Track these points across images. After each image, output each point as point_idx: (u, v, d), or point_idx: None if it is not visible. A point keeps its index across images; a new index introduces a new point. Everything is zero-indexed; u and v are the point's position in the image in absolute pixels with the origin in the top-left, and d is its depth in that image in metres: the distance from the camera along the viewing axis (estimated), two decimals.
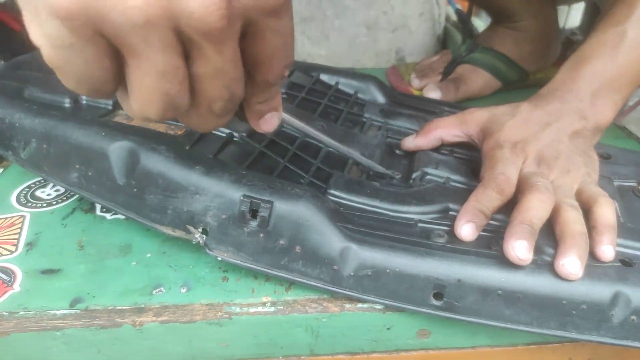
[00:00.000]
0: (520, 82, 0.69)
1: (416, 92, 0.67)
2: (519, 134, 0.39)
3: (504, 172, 0.35)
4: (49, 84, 0.41)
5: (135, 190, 0.33)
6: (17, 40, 0.76)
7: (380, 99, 0.52)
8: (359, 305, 0.32)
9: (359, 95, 0.51)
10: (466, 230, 0.33)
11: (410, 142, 0.44)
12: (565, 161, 0.37)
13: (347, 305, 0.32)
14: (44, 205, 0.41)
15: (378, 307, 0.32)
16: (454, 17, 0.85)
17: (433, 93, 0.63)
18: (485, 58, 0.67)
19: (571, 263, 0.30)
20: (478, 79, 0.66)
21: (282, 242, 0.31)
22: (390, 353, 0.35)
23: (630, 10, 0.39)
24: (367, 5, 0.85)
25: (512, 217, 0.33)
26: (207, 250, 0.32)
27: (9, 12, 0.73)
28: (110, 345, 0.32)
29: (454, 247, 0.32)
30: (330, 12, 0.86)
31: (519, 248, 0.30)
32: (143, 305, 0.32)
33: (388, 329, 0.33)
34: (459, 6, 0.81)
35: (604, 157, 0.46)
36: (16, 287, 0.33)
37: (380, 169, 0.39)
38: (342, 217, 0.33)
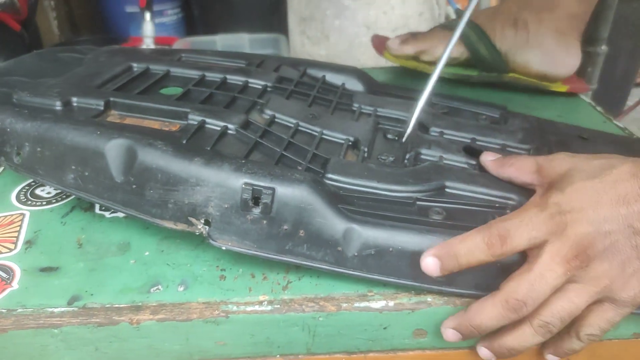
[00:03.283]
0: (495, 68, 0.63)
1: (390, 58, 0.66)
2: (578, 202, 0.29)
3: (508, 232, 0.29)
4: (38, 89, 0.40)
5: (134, 186, 0.34)
6: (17, 40, 0.77)
7: (364, 89, 0.52)
8: (356, 304, 0.32)
9: (346, 87, 0.51)
10: (428, 263, 0.30)
11: (486, 163, 0.38)
12: (613, 271, 0.28)
13: (344, 305, 0.32)
14: (44, 203, 0.41)
15: (375, 306, 0.32)
16: (453, 17, 0.85)
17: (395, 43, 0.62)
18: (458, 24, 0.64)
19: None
20: (443, 36, 0.63)
21: (285, 227, 0.32)
22: (387, 352, 0.35)
23: None
24: (367, 5, 0.85)
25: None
26: (211, 241, 0.32)
27: (9, 12, 0.74)
28: (107, 343, 0.32)
29: (453, 224, 0.33)
30: (330, 12, 0.87)
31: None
32: (140, 304, 0.32)
33: (385, 328, 0.33)
34: (458, 6, 0.82)
35: (583, 139, 0.46)
36: (15, 284, 0.33)
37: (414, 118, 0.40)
38: (343, 200, 0.34)
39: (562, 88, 0.62)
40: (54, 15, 1.38)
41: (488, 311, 0.30)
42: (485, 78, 0.64)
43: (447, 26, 0.66)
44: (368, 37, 0.85)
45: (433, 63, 0.63)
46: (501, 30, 0.62)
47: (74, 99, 0.40)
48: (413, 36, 0.65)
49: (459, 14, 0.79)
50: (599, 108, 0.60)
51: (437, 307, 0.32)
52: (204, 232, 0.32)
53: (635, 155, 0.31)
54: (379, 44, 0.70)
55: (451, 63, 0.64)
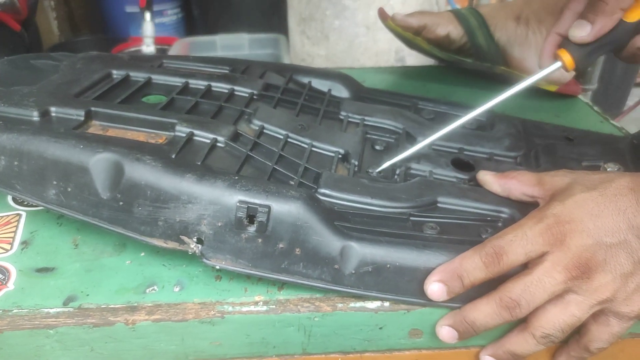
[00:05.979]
0: (490, 58, 0.63)
1: (392, 26, 0.64)
2: (576, 214, 0.30)
3: (503, 249, 0.30)
4: (12, 97, 0.38)
5: (121, 203, 0.33)
6: (17, 40, 0.77)
7: (350, 95, 0.51)
8: (351, 304, 0.32)
9: (333, 92, 0.51)
10: (434, 289, 0.31)
11: (485, 178, 0.38)
12: (615, 283, 0.29)
13: (340, 305, 0.32)
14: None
15: (370, 306, 0.32)
16: None
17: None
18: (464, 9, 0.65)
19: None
20: (449, 18, 0.63)
21: (281, 245, 0.32)
22: (383, 352, 0.35)
23: None
24: (367, 5, 0.85)
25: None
26: (204, 260, 0.32)
27: (9, 12, 0.74)
28: (103, 343, 0.32)
29: (449, 238, 0.33)
30: (330, 12, 0.87)
31: None
32: (136, 304, 0.32)
33: (380, 328, 0.33)
34: (458, 6, 0.82)
35: (569, 140, 0.46)
36: (10, 285, 0.33)
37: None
38: (339, 216, 0.33)
39: (552, 88, 0.62)
40: (54, 15, 1.39)
41: (482, 308, 0.30)
42: (477, 67, 0.64)
43: (458, 13, 0.66)
44: (368, 37, 0.86)
45: (431, 41, 0.63)
46: (503, 22, 0.62)
47: (53, 109, 0.38)
48: (420, 13, 0.65)
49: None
50: (596, 108, 0.60)
51: (432, 307, 0.32)
52: (196, 251, 0.32)
53: (621, 152, 0.32)
54: (384, 12, 0.69)
55: (449, 47, 0.64)
